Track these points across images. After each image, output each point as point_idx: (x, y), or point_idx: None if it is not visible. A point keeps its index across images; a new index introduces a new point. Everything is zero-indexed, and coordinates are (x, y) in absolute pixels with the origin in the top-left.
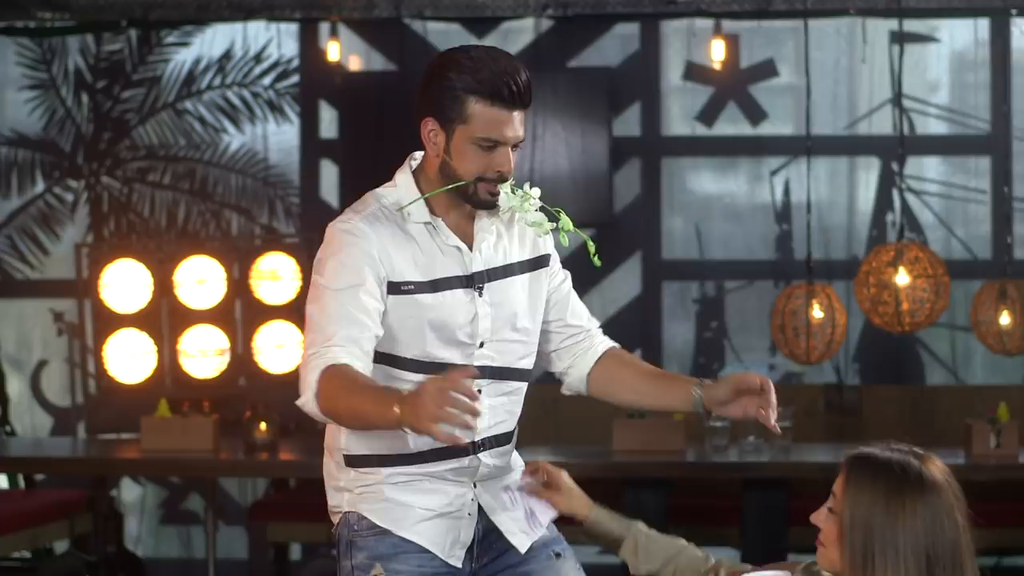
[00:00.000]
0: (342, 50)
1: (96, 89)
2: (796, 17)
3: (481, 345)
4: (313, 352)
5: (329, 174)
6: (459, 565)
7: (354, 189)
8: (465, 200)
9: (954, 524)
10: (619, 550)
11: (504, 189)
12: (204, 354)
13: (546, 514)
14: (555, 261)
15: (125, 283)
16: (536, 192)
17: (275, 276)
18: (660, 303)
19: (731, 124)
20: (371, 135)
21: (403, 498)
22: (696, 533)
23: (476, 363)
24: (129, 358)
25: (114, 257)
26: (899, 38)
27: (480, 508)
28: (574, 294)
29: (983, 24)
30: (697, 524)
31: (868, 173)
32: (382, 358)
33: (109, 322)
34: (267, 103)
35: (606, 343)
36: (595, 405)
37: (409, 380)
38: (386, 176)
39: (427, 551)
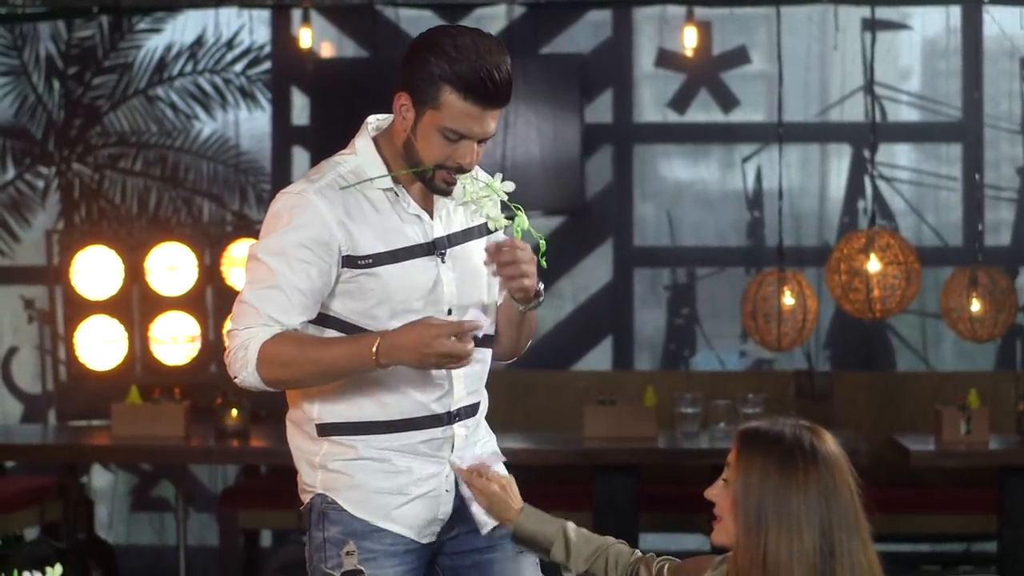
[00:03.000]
0: (314, 37)
1: (67, 75)
2: (768, 4)
3: (449, 312)
4: (247, 329)
5: (301, 161)
6: (433, 539)
7: None
8: (421, 182)
9: (848, 492)
10: (548, 553)
11: (463, 181)
12: (175, 341)
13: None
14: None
15: (96, 270)
16: (509, 186)
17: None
18: (631, 290)
19: (703, 111)
20: (342, 122)
21: (376, 484)
22: (667, 520)
23: None
24: (100, 345)
25: (85, 244)
26: (871, 25)
27: (456, 481)
28: None
29: (955, 11)
30: (668, 511)
31: (840, 160)
32: (342, 327)
33: (80, 309)
34: (239, 89)
35: None
36: (565, 391)
37: None
38: None
39: (414, 542)
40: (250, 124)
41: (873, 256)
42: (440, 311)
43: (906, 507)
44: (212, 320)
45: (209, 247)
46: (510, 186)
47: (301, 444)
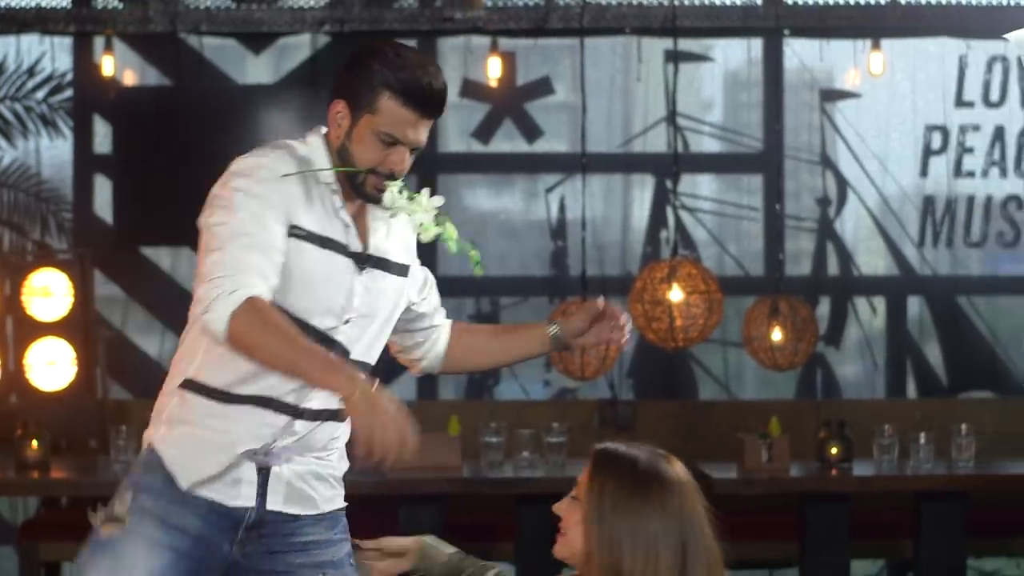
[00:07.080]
0: (116, 64)
1: None
2: (572, 35)
3: (347, 322)
4: (226, 276)
5: (103, 189)
6: (252, 503)
7: (128, 204)
8: (352, 188)
9: (701, 514)
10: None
11: (392, 189)
12: None
13: None
14: (418, 269)
15: None
16: (437, 201)
17: (47, 292)
18: None
19: (507, 141)
20: (145, 150)
21: (197, 436)
22: (472, 550)
23: (336, 337)
24: None
25: None
26: (674, 57)
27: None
28: (436, 292)
29: (756, 44)
30: (473, 541)
31: (642, 190)
32: None
33: None
34: (40, 117)
35: (448, 322)
36: None
37: None
38: (162, 192)
39: (196, 526)
40: (51, 152)
41: (675, 286)
42: (341, 319)
43: None
44: (12, 350)
45: (9, 277)
46: (439, 200)
47: (157, 403)
